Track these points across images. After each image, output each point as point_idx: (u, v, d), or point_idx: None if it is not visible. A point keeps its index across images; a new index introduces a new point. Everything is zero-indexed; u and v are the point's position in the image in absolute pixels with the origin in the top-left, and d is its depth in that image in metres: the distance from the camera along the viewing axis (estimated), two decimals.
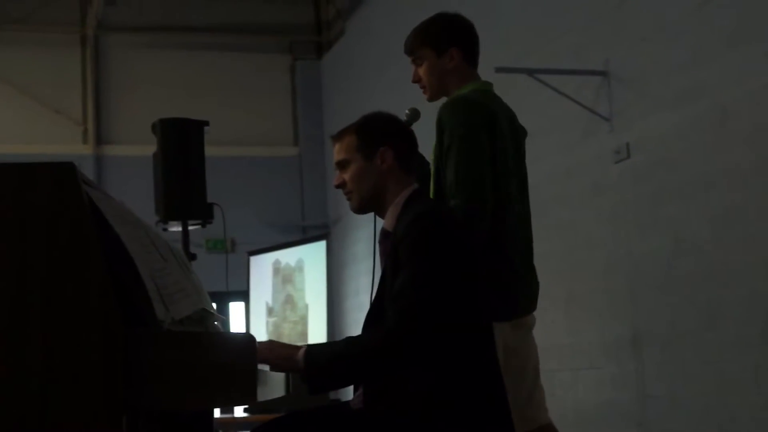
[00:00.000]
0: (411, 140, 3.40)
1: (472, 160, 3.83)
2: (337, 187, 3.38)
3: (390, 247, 3.13)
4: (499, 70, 7.73)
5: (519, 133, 4.19)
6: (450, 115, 3.92)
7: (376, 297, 3.18)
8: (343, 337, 3.21)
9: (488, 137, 3.92)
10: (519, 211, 4.05)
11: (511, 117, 4.16)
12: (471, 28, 4.29)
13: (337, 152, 3.36)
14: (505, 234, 3.92)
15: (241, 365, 2.32)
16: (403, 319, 2.91)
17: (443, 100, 4.14)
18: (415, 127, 3.70)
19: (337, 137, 3.38)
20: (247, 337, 2.37)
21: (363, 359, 2.95)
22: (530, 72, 7.82)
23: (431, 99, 4.20)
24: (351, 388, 3.24)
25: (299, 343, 3.10)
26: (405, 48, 4.24)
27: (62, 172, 2.31)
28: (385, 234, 3.27)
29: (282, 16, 15.43)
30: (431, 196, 3.92)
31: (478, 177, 3.82)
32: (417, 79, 4.20)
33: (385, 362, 2.95)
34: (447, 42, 4.14)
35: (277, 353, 2.98)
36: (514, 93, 8.57)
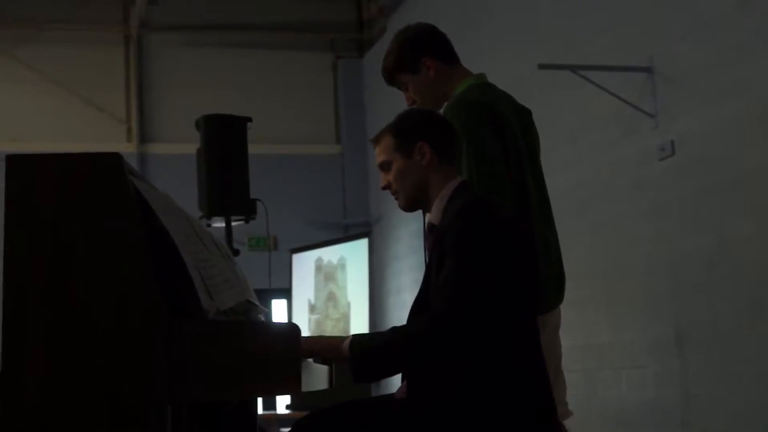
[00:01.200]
0: (448, 131, 3.40)
1: (484, 158, 3.79)
2: (384, 188, 3.39)
3: (435, 239, 3.13)
4: (542, 66, 7.72)
5: (522, 113, 4.17)
6: (453, 118, 3.89)
7: (421, 288, 3.17)
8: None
9: (494, 131, 3.89)
10: (537, 198, 4.00)
11: (511, 100, 4.14)
12: (429, 30, 4.21)
13: (378, 154, 3.38)
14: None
15: (286, 354, 2.33)
16: (448, 308, 2.91)
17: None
18: None
19: (376, 140, 3.40)
20: (291, 327, 2.38)
21: (408, 347, 2.94)
22: (573, 68, 7.79)
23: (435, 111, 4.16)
24: (397, 381, 3.24)
25: None
26: (385, 81, 4.23)
27: (109, 163, 2.33)
28: (431, 227, 3.27)
29: (324, 14, 15.45)
30: None
31: (493, 173, 3.79)
32: (412, 102, 4.17)
33: (430, 351, 2.94)
34: (415, 57, 4.11)
35: (323, 344, 3.00)
36: (557, 90, 8.59)
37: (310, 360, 2.89)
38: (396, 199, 3.37)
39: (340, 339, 3.01)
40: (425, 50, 4.12)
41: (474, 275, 2.92)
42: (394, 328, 3.04)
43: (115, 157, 2.34)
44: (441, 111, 4.06)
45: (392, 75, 4.18)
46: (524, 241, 3.24)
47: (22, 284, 2.27)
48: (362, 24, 15.70)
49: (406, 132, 3.32)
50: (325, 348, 2.99)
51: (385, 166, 3.35)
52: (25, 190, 2.32)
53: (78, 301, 2.26)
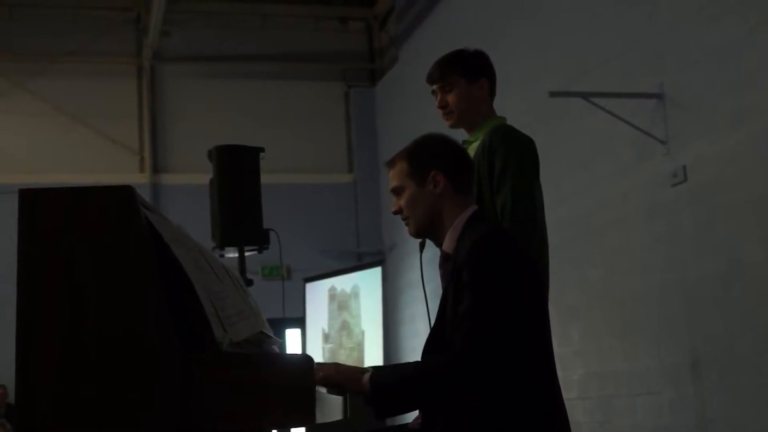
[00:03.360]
0: (464, 161, 3.35)
1: (526, 187, 3.94)
2: (395, 213, 3.34)
3: (451, 270, 3.09)
4: (553, 94, 7.72)
5: None
6: (503, 143, 4.01)
7: (436, 321, 3.13)
8: (400, 363, 3.19)
9: (535, 166, 4.08)
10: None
11: None
12: (493, 66, 4.38)
13: (391, 179, 3.33)
14: (543, 262, 4.00)
15: (300, 386, 2.32)
16: (471, 344, 2.87)
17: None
18: None
19: (390, 164, 3.35)
20: (306, 358, 2.36)
21: (431, 383, 2.91)
22: (585, 96, 7.80)
23: (455, 125, 4.30)
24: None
25: None
26: (432, 76, 4.32)
27: (121, 195, 2.33)
28: (445, 257, 3.23)
29: (335, 44, 15.51)
30: None
31: (531, 202, 3.92)
32: (444, 105, 4.27)
33: (453, 386, 2.91)
34: (478, 72, 4.26)
35: (344, 374, 2.98)
36: (568, 117, 8.59)
37: (324, 391, 2.87)
38: (406, 225, 3.32)
39: (361, 371, 2.99)
40: (487, 73, 4.29)
41: (493, 311, 2.88)
42: (416, 364, 3.01)
43: (128, 190, 2.33)
44: (468, 134, 4.23)
45: (447, 71, 4.27)
46: (537, 269, 3.20)
47: (35, 317, 2.27)
48: (374, 54, 15.75)
49: (421, 159, 3.27)
50: (345, 378, 2.97)
51: (397, 191, 3.30)
52: (37, 224, 2.32)
53: (90, 335, 2.25)
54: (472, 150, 4.12)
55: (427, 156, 3.28)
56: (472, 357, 2.87)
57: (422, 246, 3.47)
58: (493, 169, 3.97)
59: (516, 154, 3.99)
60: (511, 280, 2.95)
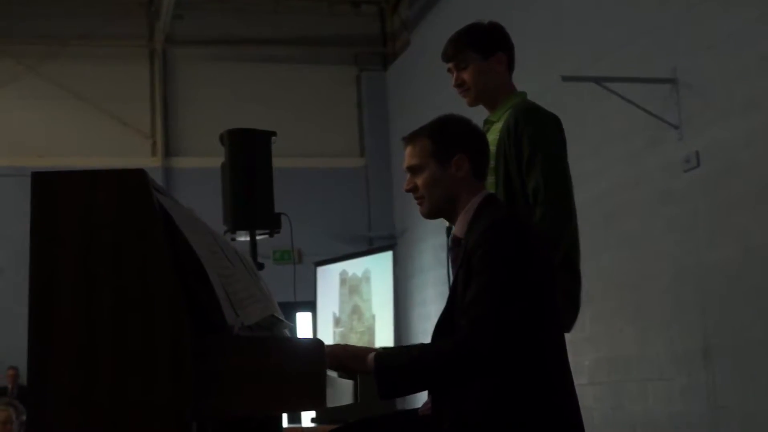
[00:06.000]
0: (486, 147, 3.28)
1: (560, 168, 3.90)
2: (408, 191, 3.24)
3: (461, 254, 3.06)
4: (566, 78, 7.70)
5: None
6: (529, 123, 3.91)
7: (447, 304, 3.10)
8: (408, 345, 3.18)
9: (564, 144, 4.03)
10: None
11: None
12: (510, 37, 4.22)
13: (409, 156, 3.21)
14: (574, 247, 3.93)
15: (311, 370, 2.32)
16: (477, 328, 2.85)
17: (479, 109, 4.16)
18: None
19: (410, 140, 3.23)
20: (316, 342, 2.36)
21: (436, 366, 2.90)
22: (597, 80, 7.77)
23: (473, 103, 4.17)
24: (423, 395, 3.22)
25: None
26: (446, 53, 4.17)
27: (133, 179, 2.33)
28: (455, 241, 3.17)
29: (347, 28, 15.49)
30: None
31: (566, 183, 3.89)
32: (460, 83, 4.13)
33: (457, 371, 2.89)
34: (493, 46, 4.11)
35: (350, 353, 2.98)
36: (581, 101, 8.57)
37: (335, 374, 2.87)
38: (419, 204, 3.23)
39: (368, 350, 2.98)
40: (503, 47, 4.14)
41: (502, 297, 2.86)
42: (422, 346, 3.00)
43: (140, 173, 2.33)
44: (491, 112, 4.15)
45: (461, 47, 4.12)
46: (548, 255, 3.17)
47: (48, 300, 2.27)
48: (386, 37, 15.74)
49: (446, 140, 3.17)
50: (351, 356, 2.97)
51: (415, 169, 3.19)
52: (50, 207, 2.32)
53: (103, 318, 2.26)
54: (495, 131, 4.01)
55: (453, 137, 3.18)
56: (478, 342, 2.85)
57: (450, 230, 3.41)
58: (521, 152, 3.88)
59: (544, 135, 3.89)
60: (520, 266, 2.92)
